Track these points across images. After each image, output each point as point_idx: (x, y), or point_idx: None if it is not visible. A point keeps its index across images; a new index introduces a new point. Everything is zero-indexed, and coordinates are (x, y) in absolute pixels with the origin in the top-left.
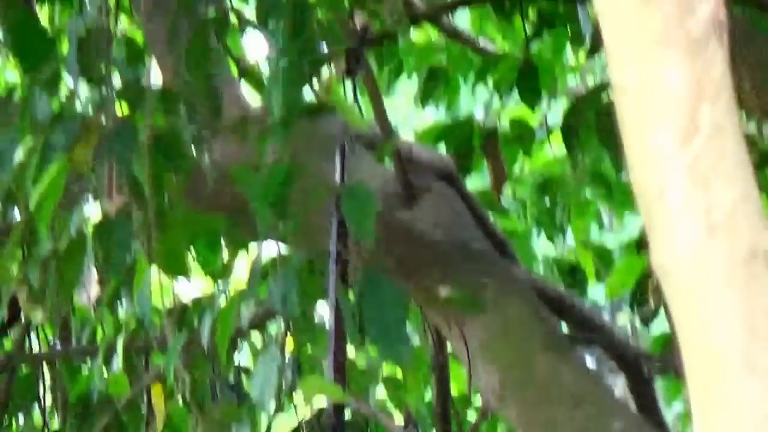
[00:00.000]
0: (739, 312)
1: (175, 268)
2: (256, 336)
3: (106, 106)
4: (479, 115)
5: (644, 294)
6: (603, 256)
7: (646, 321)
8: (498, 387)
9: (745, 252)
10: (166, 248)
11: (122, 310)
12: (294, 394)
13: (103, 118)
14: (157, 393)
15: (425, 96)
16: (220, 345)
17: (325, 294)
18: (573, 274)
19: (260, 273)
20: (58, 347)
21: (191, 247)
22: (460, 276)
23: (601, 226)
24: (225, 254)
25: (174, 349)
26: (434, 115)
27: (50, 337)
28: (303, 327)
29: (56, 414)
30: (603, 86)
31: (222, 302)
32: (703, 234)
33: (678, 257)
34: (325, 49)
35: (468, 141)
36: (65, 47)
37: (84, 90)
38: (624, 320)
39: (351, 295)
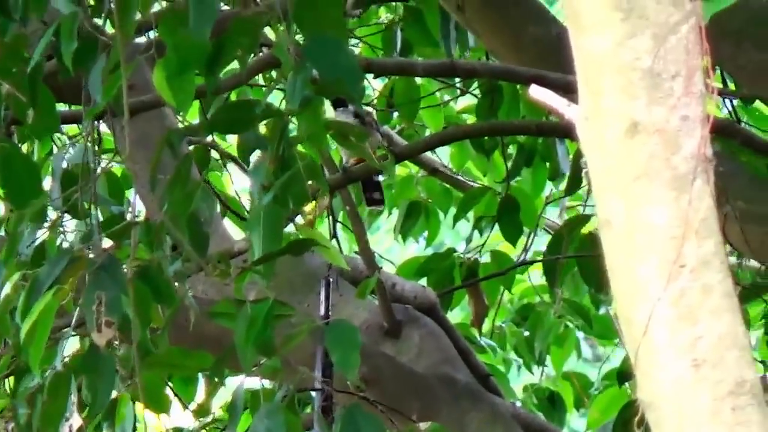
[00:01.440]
0: None
1: (158, 403)
2: None
3: (91, 240)
4: (460, 249)
5: (627, 426)
6: (582, 385)
7: None
8: None
9: (730, 386)
10: (149, 384)
11: None
12: None
13: (88, 252)
14: None
15: (406, 230)
16: None
17: (306, 429)
18: (552, 402)
19: (242, 407)
20: None
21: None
22: (444, 408)
23: (579, 355)
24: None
25: None
26: (416, 248)
27: None
28: None
29: None
30: (583, 218)
31: None
32: (689, 368)
33: (663, 391)
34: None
35: (449, 274)
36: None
37: (68, 224)
38: None
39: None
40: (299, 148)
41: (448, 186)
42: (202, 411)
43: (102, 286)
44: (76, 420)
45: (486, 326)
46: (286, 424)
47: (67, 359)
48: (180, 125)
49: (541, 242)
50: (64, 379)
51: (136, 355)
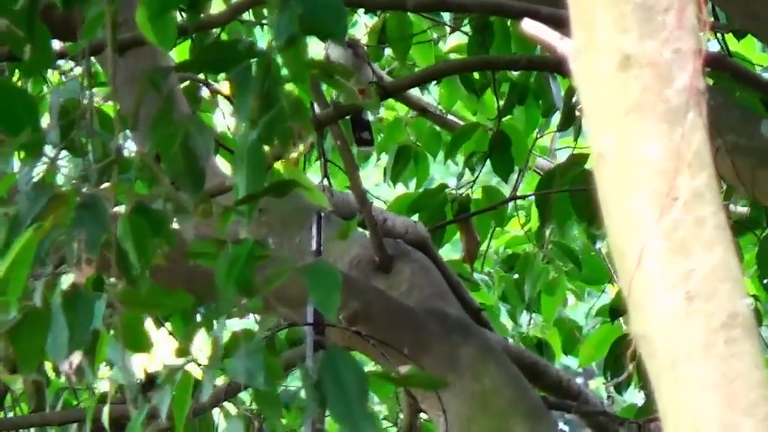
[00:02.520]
0: (718, 378)
1: (137, 343)
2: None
3: (87, 176)
4: (451, 185)
5: (618, 361)
6: (571, 331)
7: (620, 388)
8: None
9: (723, 318)
10: (129, 323)
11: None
12: None
13: (80, 189)
14: None
15: (396, 174)
16: (177, 421)
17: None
18: (540, 349)
19: (223, 348)
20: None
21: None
22: (436, 342)
23: (565, 304)
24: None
25: (137, 419)
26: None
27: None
28: (269, 401)
29: None
30: (578, 158)
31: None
32: (682, 301)
33: (656, 324)
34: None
35: (440, 210)
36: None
37: (64, 161)
38: (596, 386)
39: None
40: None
41: (437, 128)
42: (181, 351)
43: (83, 223)
44: (76, 356)
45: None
46: (266, 365)
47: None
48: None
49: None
50: (41, 314)
51: (118, 292)
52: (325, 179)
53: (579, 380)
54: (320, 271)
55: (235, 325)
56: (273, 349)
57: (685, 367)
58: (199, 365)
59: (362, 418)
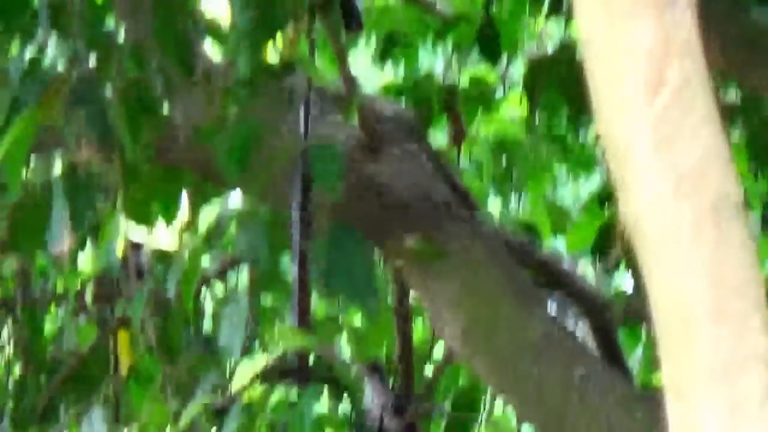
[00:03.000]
0: (707, 261)
1: (144, 218)
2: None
3: (78, 60)
4: (439, 72)
5: (606, 245)
6: (559, 215)
7: (608, 271)
8: (462, 335)
9: (712, 201)
10: (134, 199)
11: (85, 261)
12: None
13: (74, 72)
14: (123, 341)
15: (383, 58)
16: (186, 293)
17: (290, 247)
18: (529, 231)
19: (226, 224)
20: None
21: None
22: (424, 227)
23: (555, 187)
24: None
25: (140, 297)
26: (394, 74)
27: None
28: (269, 277)
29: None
30: (566, 45)
31: (187, 254)
32: (672, 185)
33: (647, 208)
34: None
35: (428, 97)
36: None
37: (54, 44)
38: (585, 269)
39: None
40: None
41: (425, 15)
42: (188, 227)
43: (82, 105)
44: (67, 237)
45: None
46: (269, 240)
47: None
48: None
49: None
50: (45, 195)
51: (120, 171)
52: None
53: (566, 262)
54: (322, 148)
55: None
56: (277, 225)
57: (674, 250)
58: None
59: (368, 291)
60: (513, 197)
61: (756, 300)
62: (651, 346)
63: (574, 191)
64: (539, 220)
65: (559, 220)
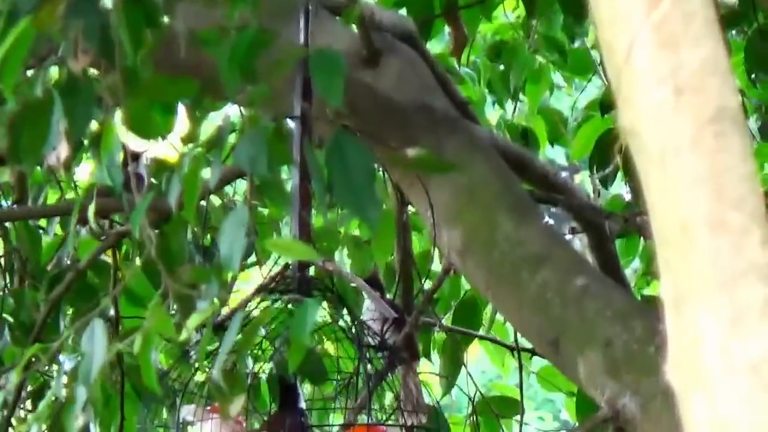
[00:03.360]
0: (706, 171)
1: (145, 129)
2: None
3: None
4: None
5: (604, 155)
6: (557, 121)
7: (605, 182)
8: (461, 246)
9: (711, 112)
10: (135, 109)
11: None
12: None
13: None
14: (121, 253)
15: None
16: (188, 204)
17: (290, 159)
18: (525, 138)
19: (227, 134)
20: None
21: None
22: (423, 136)
23: (552, 92)
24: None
25: (140, 208)
26: None
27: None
28: (270, 187)
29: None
30: None
31: (188, 163)
32: (670, 95)
33: (645, 118)
34: None
35: (428, 4)
36: None
37: None
38: (581, 180)
39: (320, 157)
40: None
41: None
42: (189, 138)
43: (80, 14)
44: (63, 148)
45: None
46: (271, 150)
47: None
48: None
49: None
50: (44, 104)
51: (120, 80)
52: None
53: (564, 174)
54: (324, 56)
55: None
56: (280, 135)
57: (673, 161)
58: (206, 153)
59: (369, 201)
60: (510, 104)
61: (755, 212)
62: (646, 258)
63: (572, 99)
64: (536, 125)
65: (557, 127)
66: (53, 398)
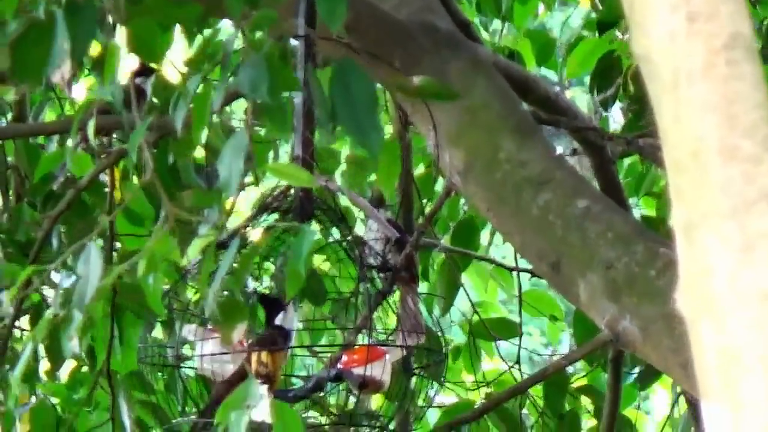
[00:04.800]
0: (719, 98)
1: (149, 52)
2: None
3: None
4: None
5: (605, 76)
6: (546, 43)
7: (605, 104)
8: (463, 167)
9: (725, 39)
10: (140, 30)
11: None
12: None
13: None
14: (119, 173)
15: None
16: (197, 128)
17: (296, 85)
18: (512, 60)
19: (229, 57)
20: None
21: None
22: (425, 56)
23: (536, 16)
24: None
25: (141, 127)
26: None
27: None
28: (272, 110)
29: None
30: None
31: (192, 88)
32: (683, 21)
33: (658, 45)
34: None
35: None
36: None
37: None
38: (572, 96)
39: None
40: None
41: None
42: (195, 60)
43: None
44: (67, 67)
45: None
46: (273, 74)
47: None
48: None
49: None
50: (46, 24)
51: (123, 1)
52: None
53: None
54: None
55: None
56: (284, 58)
57: (686, 87)
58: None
59: (371, 128)
60: (498, 24)
61: (767, 140)
62: (644, 179)
63: (564, 15)
64: (523, 47)
65: (545, 48)
66: (51, 317)
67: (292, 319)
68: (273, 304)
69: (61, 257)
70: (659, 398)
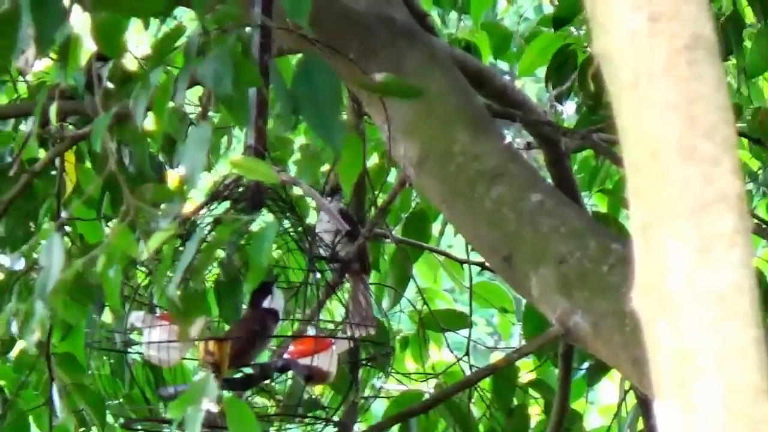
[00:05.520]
0: (679, 98)
1: (112, 46)
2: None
3: None
4: None
5: (560, 71)
6: (502, 35)
7: (560, 99)
8: (417, 159)
9: (686, 39)
10: (103, 24)
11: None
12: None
13: None
14: (69, 160)
15: None
16: (158, 120)
17: (258, 80)
18: (468, 52)
19: (196, 50)
20: None
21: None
22: (382, 48)
23: (494, 8)
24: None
25: (103, 121)
26: None
27: None
28: (233, 102)
29: None
30: None
31: (153, 79)
32: (646, 21)
33: (620, 44)
34: None
35: None
36: None
37: None
38: (521, 86)
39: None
40: None
41: None
42: (156, 54)
43: None
44: (31, 53)
45: None
46: (237, 68)
47: None
48: None
49: None
50: (12, 14)
51: None
52: None
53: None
54: None
55: None
56: (246, 52)
57: (646, 87)
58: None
59: (335, 124)
60: (455, 17)
61: (727, 142)
62: (597, 175)
63: (516, 13)
64: (479, 40)
65: (501, 41)
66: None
67: (279, 301)
68: (260, 287)
69: (23, 246)
70: (604, 389)
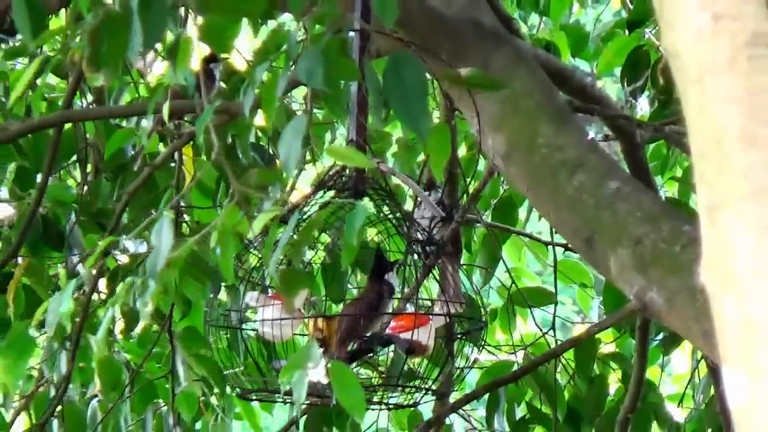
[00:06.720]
0: (741, 90)
1: (220, 44)
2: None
3: None
4: None
5: (634, 70)
6: (580, 36)
7: (635, 95)
8: (504, 150)
9: (747, 36)
10: (211, 25)
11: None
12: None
13: None
14: (187, 154)
15: None
16: (267, 113)
17: (355, 73)
18: (548, 51)
19: (294, 48)
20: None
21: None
22: (471, 49)
23: (570, 11)
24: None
25: (207, 111)
26: None
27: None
28: (330, 97)
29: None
30: None
31: (259, 76)
32: (710, 20)
33: (686, 42)
34: None
35: None
36: None
37: None
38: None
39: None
40: None
41: None
42: (263, 51)
43: None
44: (150, 54)
45: None
46: (329, 64)
47: None
48: None
49: None
50: (122, 16)
51: None
52: None
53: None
54: None
55: None
56: (344, 51)
57: (710, 81)
58: (273, 66)
59: (421, 114)
60: (536, 19)
61: None
62: (667, 163)
63: (596, 12)
64: (558, 40)
65: (579, 40)
66: (128, 285)
67: (393, 278)
68: (384, 262)
69: (136, 229)
70: (677, 359)
